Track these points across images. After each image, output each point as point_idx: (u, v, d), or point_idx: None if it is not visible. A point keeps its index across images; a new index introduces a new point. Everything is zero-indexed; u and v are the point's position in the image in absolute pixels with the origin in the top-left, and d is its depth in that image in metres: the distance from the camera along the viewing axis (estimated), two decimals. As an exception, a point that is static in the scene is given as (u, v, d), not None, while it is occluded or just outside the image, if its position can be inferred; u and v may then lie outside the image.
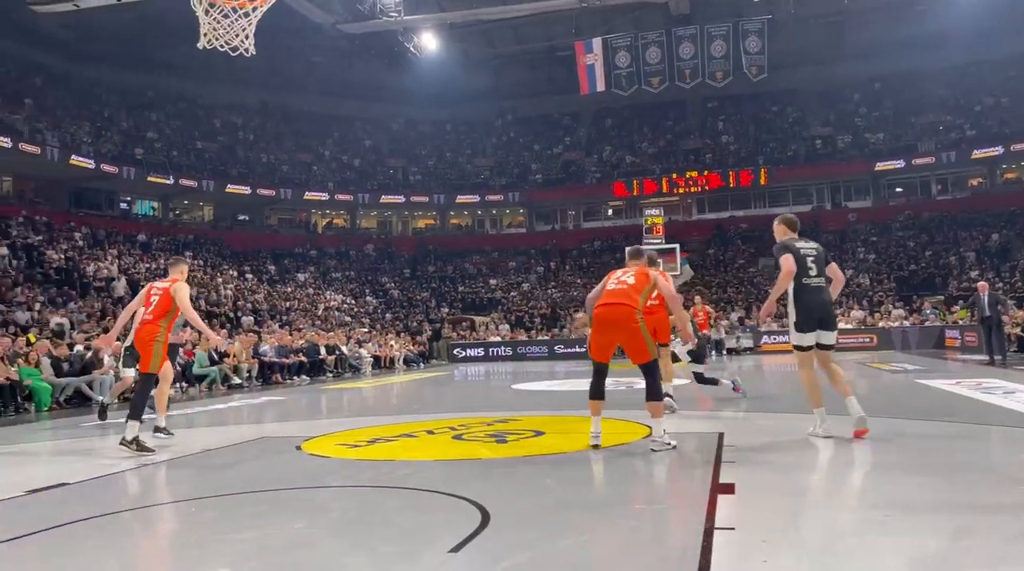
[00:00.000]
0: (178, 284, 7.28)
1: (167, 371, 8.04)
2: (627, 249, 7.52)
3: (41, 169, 30.17)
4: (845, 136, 39.88)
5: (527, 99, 45.11)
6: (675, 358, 9.59)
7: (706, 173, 39.16)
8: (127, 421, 7.06)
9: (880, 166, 37.17)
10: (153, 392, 7.79)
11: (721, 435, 6.75)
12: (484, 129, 46.57)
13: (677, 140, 43.58)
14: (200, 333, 9.06)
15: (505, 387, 15.60)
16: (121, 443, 6.96)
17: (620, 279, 6.38)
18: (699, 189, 39.32)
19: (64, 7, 5.15)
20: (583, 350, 28.34)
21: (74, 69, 36.26)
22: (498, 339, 30.85)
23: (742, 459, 5.60)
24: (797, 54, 38.17)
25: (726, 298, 33.08)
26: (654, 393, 6.13)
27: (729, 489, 4.63)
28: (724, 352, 26.57)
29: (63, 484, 5.76)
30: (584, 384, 13.84)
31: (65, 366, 13.43)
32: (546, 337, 30.82)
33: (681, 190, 39.35)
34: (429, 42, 37.03)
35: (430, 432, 7.89)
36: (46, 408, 12.51)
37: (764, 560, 3.25)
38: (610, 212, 43.05)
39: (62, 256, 25.79)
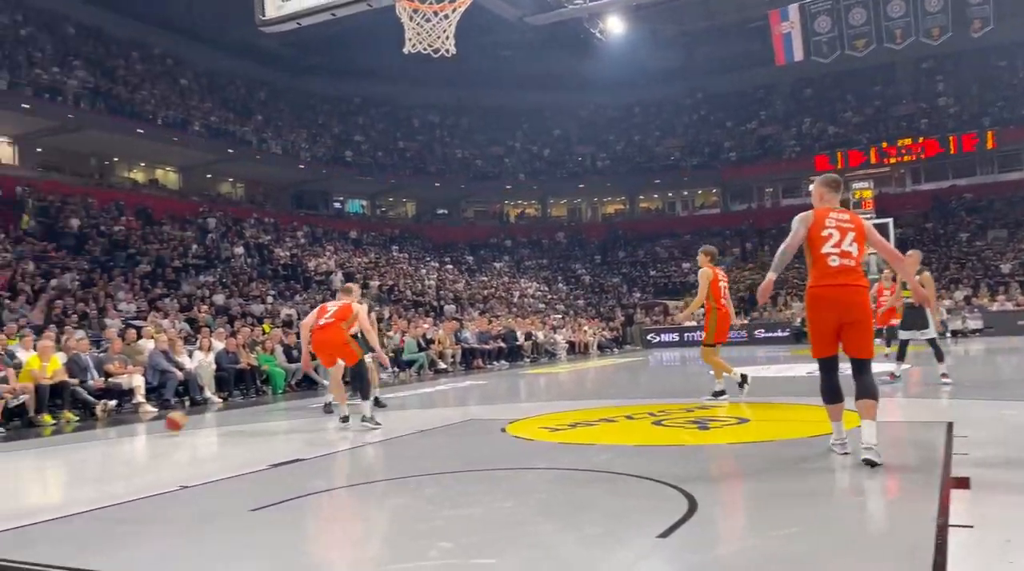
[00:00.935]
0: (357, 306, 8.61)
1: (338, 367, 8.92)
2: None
3: (268, 175, 33.48)
4: (1091, 88, 34.83)
5: (718, 75, 43.50)
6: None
7: (921, 140, 35.78)
8: (360, 401, 8.07)
9: None
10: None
11: (950, 424, 6.20)
12: (673, 109, 45.53)
13: (886, 106, 40.16)
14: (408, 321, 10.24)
15: (702, 373, 15.17)
16: (363, 420, 7.97)
17: (841, 249, 4.95)
18: (913, 157, 36.03)
19: (289, 26, 5.75)
20: (785, 335, 27.07)
21: (292, 82, 39.86)
22: (693, 324, 30.13)
23: (976, 451, 5.11)
24: (1028, 0, 33.74)
25: (949, 276, 30.10)
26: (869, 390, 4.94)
27: (963, 483, 4.25)
28: (948, 334, 24.22)
29: (299, 459, 6.40)
30: (789, 370, 13.23)
31: (295, 353, 14.84)
32: (744, 321, 29.68)
33: (892, 160, 36.26)
34: (615, 26, 36.56)
35: (629, 417, 7.90)
36: (280, 391, 13.92)
37: (1010, 562, 2.96)
38: (811, 187, 40.54)
39: (287, 253, 28.47)
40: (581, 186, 42.42)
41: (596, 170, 43.11)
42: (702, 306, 9.27)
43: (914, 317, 9.85)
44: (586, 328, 27.36)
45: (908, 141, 36.02)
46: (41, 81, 25.43)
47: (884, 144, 36.36)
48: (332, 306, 8.52)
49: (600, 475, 5.17)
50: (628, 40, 38.09)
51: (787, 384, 11.23)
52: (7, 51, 25.79)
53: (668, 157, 42.86)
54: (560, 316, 30.09)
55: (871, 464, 4.68)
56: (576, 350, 25.20)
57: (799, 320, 27.67)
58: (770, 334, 27.09)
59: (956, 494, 4.04)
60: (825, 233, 5.00)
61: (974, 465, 4.72)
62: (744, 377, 9.01)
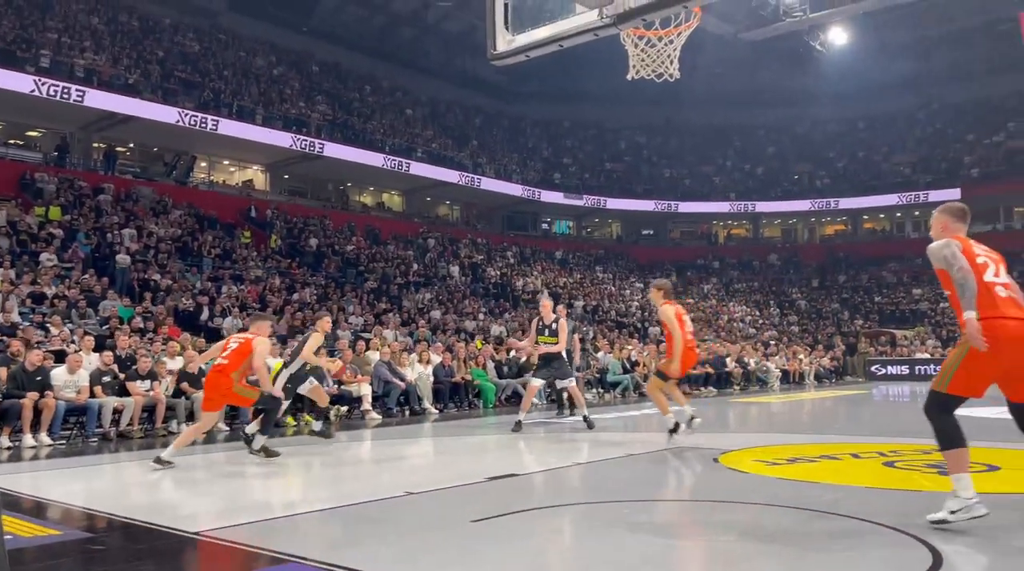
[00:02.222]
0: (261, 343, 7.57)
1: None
2: None
3: (481, 198, 35.10)
4: None
5: (957, 84, 39.60)
6: None
7: None
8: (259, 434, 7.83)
9: None
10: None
11: None
12: (904, 122, 42.03)
13: None
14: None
15: (939, 411, 13.80)
16: (251, 452, 7.72)
17: (1001, 279, 4.50)
18: None
19: (519, 59, 6.02)
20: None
21: (505, 108, 41.65)
22: (926, 356, 27.48)
23: None
24: None
25: None
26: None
27: None
28: None
29: (514, 475, 6.60)
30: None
31: (505, 369, 15.37)
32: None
33: None
34: (838, 37, 34.68)
35: (855, 455, 7.36)
36: (491, 405, 14.45)
37: None
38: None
39: (498, 272, 29.59)
40: (798, 205, 40.28)
41: (814, 189, 40.76)
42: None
43: None
44: (801, 356, 25.84)
45: None
46: (290, 115, 28.49)
47: None
48: (234, 342, 7.48)
49: (826, 516, 4.85)
50: (851, 50, 35.91)
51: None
52: (262, 89, 29.20)
53: (897, 174, 39.58)
54: (773, 342, 28.67)
55: None
56: (790, 379, 23.86)
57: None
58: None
59: None
60: (980, 261, 4.41)
61: None
62: (677, 426, 8.18)
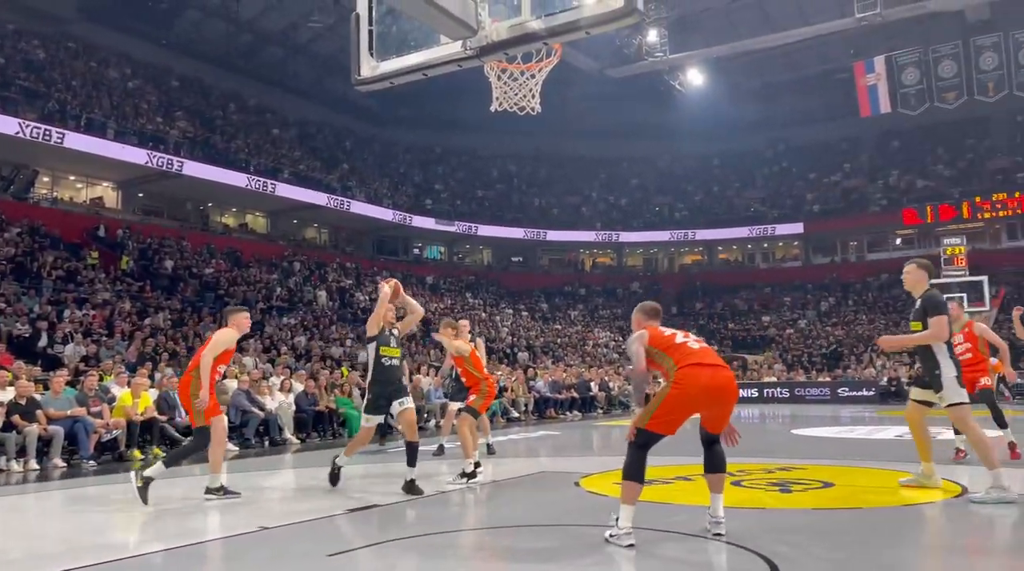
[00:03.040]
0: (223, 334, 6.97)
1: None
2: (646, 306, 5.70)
3: (350, 221, 34.54)
4: None
5: (800, 127, 42.95)
6: None
7: (1017, 194, 34.35)
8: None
9: None
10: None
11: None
12: (753, 161, 45.03)
13: (980, 160, 38.77)
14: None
15: (783, 431, 14.76)
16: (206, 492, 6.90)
17: (696, 338, 5.20)
18: (1010, 213, 34.56)
19: (382, 86, 5.97)
20: (871, 394, 25.97)
21: (377, 132, 41.36)
22: (773, 379, 29.29)
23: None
24: None
25: (1050, 338, 28.44)
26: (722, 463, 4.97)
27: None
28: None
29: (375, 506, 6.46)
30: (877, 432, 12.69)
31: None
32: (827, 379, 28.67)
33: (987, 215, 34.86)
34: (695, 78, 36.88)
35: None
36: (356, 434, 14.12)
37: None
38: (899, 242, 39.28)
39: (367, 297, 29.12)
40: (658, 236, 42.18)
41: (673, 220, 42.84)
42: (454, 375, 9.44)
43: None
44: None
45: (1003, 195, 34.63)
46: (146, 130, 27.06)
47: (978, 198, 35.06)
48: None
49: (677, 536, 5.05)
50: (708, 92, 38.22)
51: (874, 447, 10.75)
52: (115, 102, 27.61)
53: (748, 208, 42.29)
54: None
55: None
56: (651, 403, 24.72)
57: (885, 379, 26.57)
58: (854, 393, 26.03)
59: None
60: (668, 333, 5.28)
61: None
62: (474, 473, 7.52)
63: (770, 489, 6.79)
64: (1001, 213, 34.73)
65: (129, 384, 11.61)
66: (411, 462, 6.99)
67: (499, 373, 19.75)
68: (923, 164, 40.12)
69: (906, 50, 32.37)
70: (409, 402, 7.12)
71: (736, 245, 43.10)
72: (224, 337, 6.88)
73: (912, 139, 40.90)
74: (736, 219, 41.62)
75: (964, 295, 24.55)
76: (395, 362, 7.14)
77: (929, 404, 6.59)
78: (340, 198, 32.55)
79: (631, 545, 4.55)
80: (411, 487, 6.88)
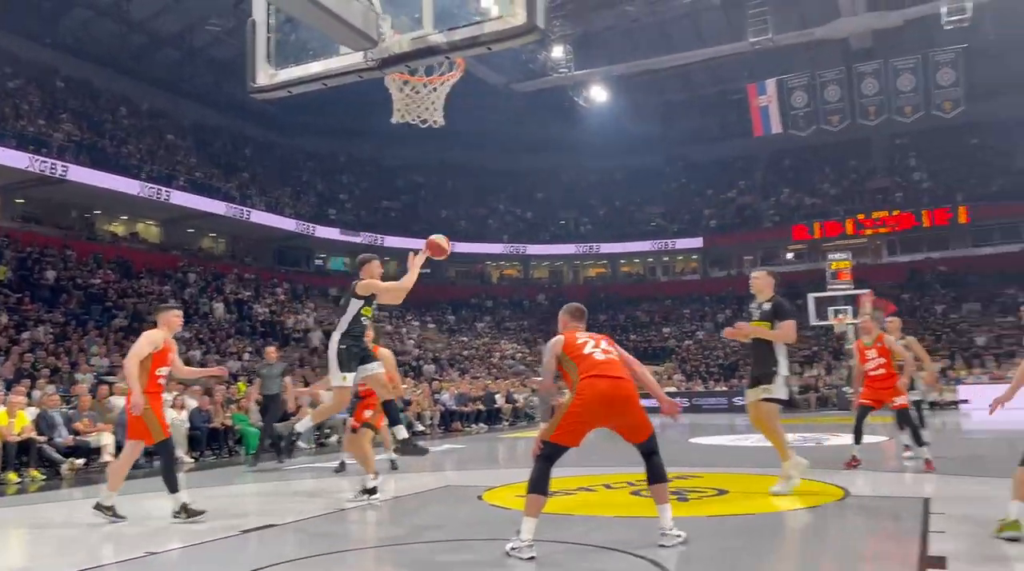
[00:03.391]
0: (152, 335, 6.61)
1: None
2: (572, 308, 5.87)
3: (250, 231, 33.49)
4: (1062, 167, 35.95)
5: (698, 145, 44.53)
6: None
7: (896, 213, 36.64)
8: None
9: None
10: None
11: (927, 501, 6.20)
12: (654, 176, 46.35)
13: (862, 179, 41.16)
14: None
15: (682, 440, 15.15)
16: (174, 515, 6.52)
17: (604, 348, 5.28)
18: (888, 230, 36.81)
19: (280, 94, 5.76)
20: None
21: (278, 139, 40.31)
22: (673, 389, 30.14)
23: (953, 529, 5.11)
24: (1001, 81, 35.08)
25: (925, 347, 30.35)
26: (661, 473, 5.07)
27: (940, 563, 4.25)
28: (926, 407, 24.31)
29: (271, 525, 6.25)
30: (767, 440, 13.16)
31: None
32: (724, 388, 29.72)
33: (868, 232, 37.00)
34: (598, 94, 37.70)
35: (608, 486, 7.82)
36: (253, 452, 13.63)
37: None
38: (790, 256, 41.19)
39: (267, 309, 28.30)
40: (563, 249, 42.80)
41: (578, 234, 43.57)
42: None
43: None
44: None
45: (884, 214, 36.83)
46: (27, 132, 25.50)
47: (860, 216, 37.15)
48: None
49: (576, 548, 5.10)
50: (611, 108, 39.13)
51: (766, 454, 11.17)
52: (-6, 102, 25.94)
53: (649, 223, 43.47)
54: (541, 378, 29.93)
55: None
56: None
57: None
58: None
59: (934, 575, 4.03)
60: (580, 341, 5.45)
61: (951, 543, 4.71)
62: (375, 489, 7.33)
63: (670, 499, 6.95)
64: (881, 230, 36.92)
65: (3, 403, 10.86)
66: (393, 421, 7.08)
67: (404, 386, 19.54)
68: (811, 183, 42.27)
69: (795, 74, 34.10)
70: (380, 367, 6.97)
71: (638, 258, 44.18)
72: (149, 338, 6.49)
73: (801, 159, 43.05)
74: (638, 233, 42.70)
75: (848, 308, 25.94)
76: (366, 323, 7.01)
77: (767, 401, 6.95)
78: (239, 207, 31.52)
79: (532, 558, 4.56)
80: (409, 446, 6.91)
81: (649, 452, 5.01)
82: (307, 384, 15.78)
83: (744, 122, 36.08)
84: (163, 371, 6.61)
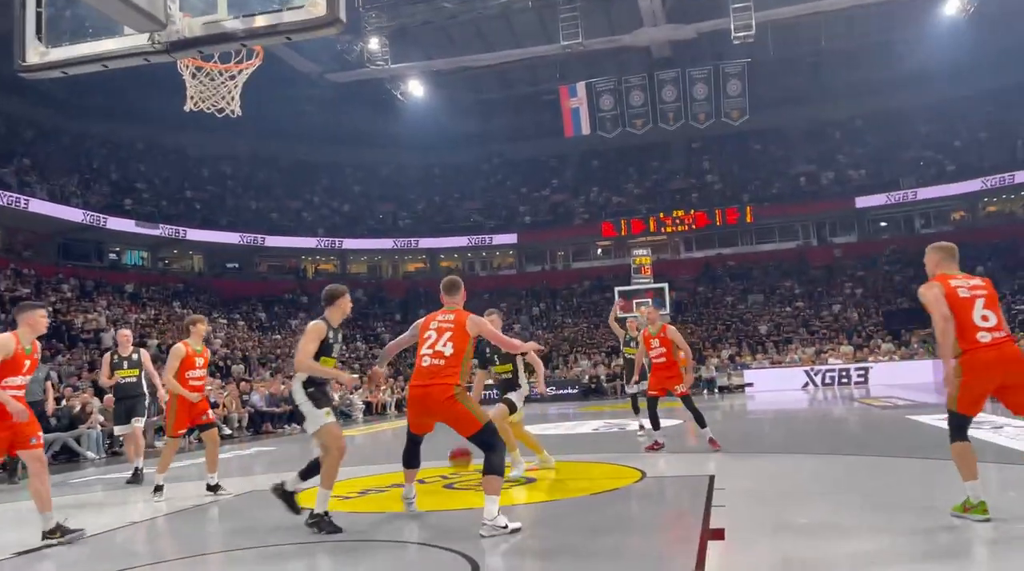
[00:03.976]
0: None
1: None
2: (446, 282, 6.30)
3: (30, 222, 30.19)
4: (828, 173, 40.47)
5: (514, 142, 45.64)
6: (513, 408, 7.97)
7: (692, 212, 39.56)
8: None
9: (861, 202, 37.66)
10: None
11: (712, 477, 6.77)
12: (472, 173, 46.98)
13: (663, 180, 44.08)
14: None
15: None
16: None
17: (435, 349, 5.60)
18: (686, 228, 39.67)
19: (54, 74, 5.17)
20: (575, 392, 28.34)
21: (64, 123, 36.49)
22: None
23: (732, 502, 5.62)
24: (779, 94, 38.90)
25: (716, 335, 33.17)
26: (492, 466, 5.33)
27: (719, 534, 4.65)
28: (716, 390, 26.57)
29: (47, 546, 5.70)
30: (579, 427, 13.84)
31: (53, 421, 13.30)
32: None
33: (668, 229, 39.70)
34: (416, 89, 37.61)
35: (421, 482, 7.83)
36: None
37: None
38: (599, 252, 43.33)
39: (50, 308, 25.67)
40: (381, 244, 42.33)
41: (397, 228, 43.28)
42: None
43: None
44: (383, 387, 26.99)
45: (681, 213, 39.65)
46: None
47: (661, 214, 39.75)
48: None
49: (386, 545, 5.09)
50: (428, 103, 39.17)
51: (575, 442, 11.71)
52: None
53: (468, 218, 44.00)
54: (356, 376, 29.47)
55: None
56: (374, 411, 24.75)
57: (587, 377, 28.99)
58: (561, 391, 28.19)
59: (713, 545, 4.41)
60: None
61: (730, 516, 5.18)
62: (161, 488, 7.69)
63: (479, 489, 7.09)
64: (679, 228, 39.73)
65: None
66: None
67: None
68: (618, 182, 44.66)
69: (603, 78, 35.86)
70: None
71: (457, 253, 44.61)
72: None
73: (609, 159, 45.37)
74: (457, 228, 43.11)
75: (650, 300, 27.70)
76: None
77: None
78: (15, 195, 28.30)
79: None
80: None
81: (480, 446, 5.41)
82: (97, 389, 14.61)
83: (557, 122, 37.43)
84: (16, 381, 5.66)
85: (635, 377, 10.94)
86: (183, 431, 8.17)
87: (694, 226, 39.48)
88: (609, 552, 4.62)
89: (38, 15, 4.29)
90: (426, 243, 42.52)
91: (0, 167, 29.48)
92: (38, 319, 5.97)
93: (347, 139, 42.99)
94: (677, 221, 39.29)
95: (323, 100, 38.62)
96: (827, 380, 26.52)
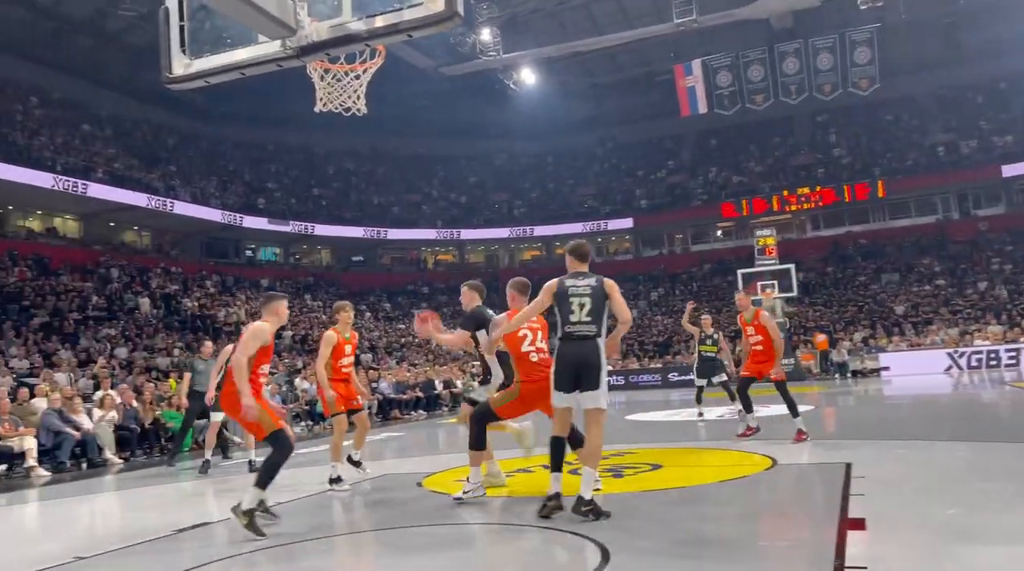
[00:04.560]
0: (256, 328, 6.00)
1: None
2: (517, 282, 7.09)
3: (175, 223, 32.50)
4: (970, 141, 37.62)
5: (627, 125, 45.03)
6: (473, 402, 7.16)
7: (818, 189, 37.81)
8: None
9: (1008, 171, 34.79)
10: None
11: (848, 465, 6.48)
12: (585, 158, 46.74)
13: (786, 157, 42.33)
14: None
15: (618, 418, 15.43)
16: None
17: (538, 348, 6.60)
18: (812, 205, 37.99)
19: (197, 84, 5.56)
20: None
21: (202, 129, 39.10)
22: (609, 368, 30.62)
23: (872, 491, 5.36)
24: (912, 60, 36.48)
25: (847, 317, 31.62)
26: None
27: (859, 525, 4.46)
28: (849, 374, 25.36)
29: (206, 523, 6.15)
30: (707, 414, 13.55)
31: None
32: (659, 365, 30.33)
33: (793, 207, 38.13)
34: (528, 77, 37.72)
35: (545, 467, 7.90)
36: (186, 449, 13.33)
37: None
38: (719, 233, 42.16)
39: (196, 303, 27.57)
40: (498, 233, 42.85)
41: (512, 217, 43.68)
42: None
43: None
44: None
45: (806, 190, 37.96)
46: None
47: (785, 192, 38.21)
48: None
49: (514, 528, 5.17)
50: (540, 91, 39.20)
51: (699, 428, 11.50)
52: None
53: (582, 204, 43.84)
54: (479, 363, 30.01)
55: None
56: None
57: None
58: (683, 377, 27.63)
59: (852, 535, 4.23)
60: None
61: (870, 505, 4.94)
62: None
63: (604, 475, 7.09)
64: (805, 206, 38.07)
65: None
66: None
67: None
68: (737, 161, 43.25)
69: (720, 55, 34.73)
70: None
71: (572, 240, 44.54)
72: (255, 333, 5.75)
73: (727, 137, 43.98)
74: (571, 215, 43.04)
75: (776, 282, 26.72)
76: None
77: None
78: (162, 198, 30.52)
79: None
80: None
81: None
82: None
83: (671, 102, 36.60)
84: (265, 368, 5.91)
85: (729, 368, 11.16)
86: (342, 410, 7.84)
87: (821, 203, 37.73)
88: (743, 540, 4.52)
89: (181, 29, 4.58)
90: (541, 231, 42.66)
91: (147, 172, 31.77)
92: (282, 309, 6.20)
93: (461, 131, 43.71)
94: (802, 198, 37.66)
95: (437, 94, 39.36)
96: (973, 363, 24.77)
